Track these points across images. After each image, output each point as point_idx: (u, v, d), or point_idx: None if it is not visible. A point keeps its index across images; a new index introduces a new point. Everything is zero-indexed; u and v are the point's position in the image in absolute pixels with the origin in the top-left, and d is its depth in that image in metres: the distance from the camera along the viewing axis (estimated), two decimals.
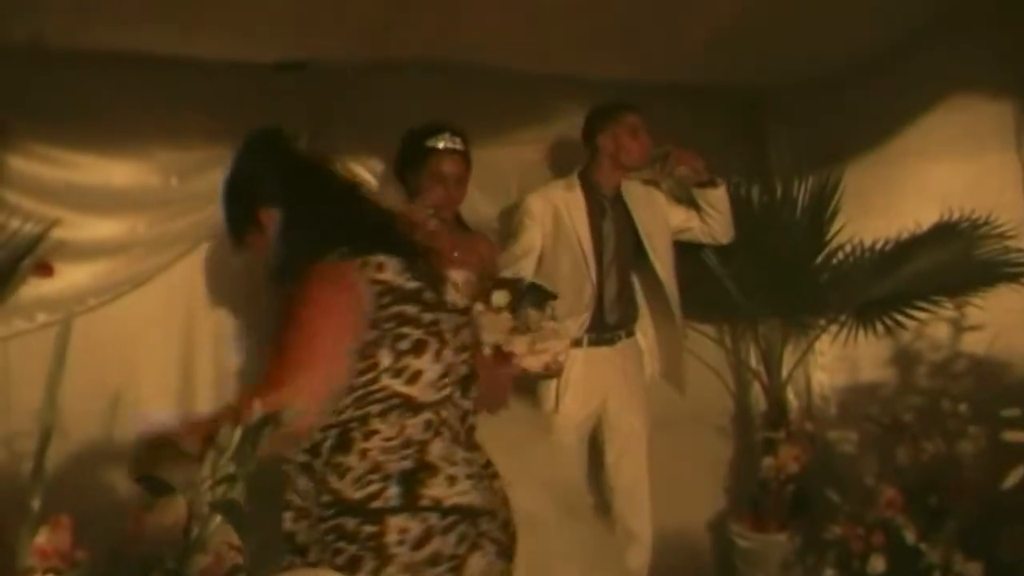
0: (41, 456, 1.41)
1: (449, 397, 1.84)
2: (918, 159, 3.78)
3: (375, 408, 1.75)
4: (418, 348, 1.78)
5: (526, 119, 3.68)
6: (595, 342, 3.32)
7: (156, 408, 3.27)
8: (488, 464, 1.88)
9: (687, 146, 3.49)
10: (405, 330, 1.77)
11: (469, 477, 1.79)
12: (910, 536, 2.89)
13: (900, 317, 3.71)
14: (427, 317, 1.81)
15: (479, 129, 3.52)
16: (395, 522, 1.69)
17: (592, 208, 3.37)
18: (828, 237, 3.83)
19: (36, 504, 1.38)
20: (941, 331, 3.68)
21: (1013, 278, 3.47)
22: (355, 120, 3.04)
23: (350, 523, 1.71)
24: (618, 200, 3.45)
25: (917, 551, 2.87)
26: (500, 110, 3.58)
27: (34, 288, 3.08)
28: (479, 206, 3.59)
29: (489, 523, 1.80)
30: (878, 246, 3.71)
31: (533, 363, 2.77)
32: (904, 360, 3.78)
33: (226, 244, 3.28)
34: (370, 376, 1.75)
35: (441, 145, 2.96)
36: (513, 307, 2.78)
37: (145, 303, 3.28)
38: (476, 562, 1.74)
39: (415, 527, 1.69)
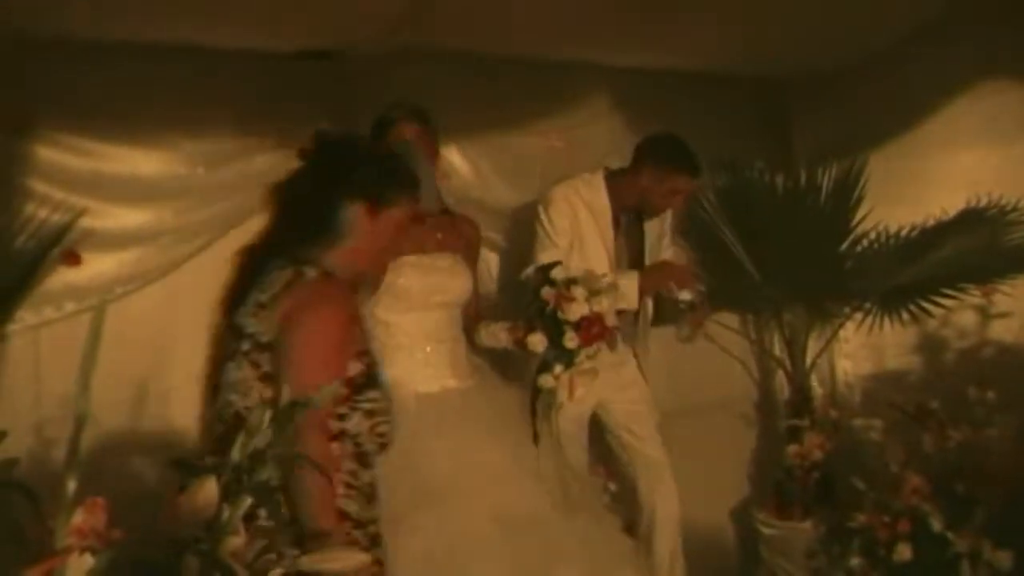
0: (76, 439, 1.43)
1: None
2: (944, 146, 3.76)
3: None
4: None
5: (550, 107, 3.67)
6: None
7: (183, 396, 3.31)
8: None
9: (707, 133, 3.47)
10: None
11: (347, 486, 1.96)
12: (936, 524, 2.87)
13: (926, 304, 3.69)
14: None
15: (503, 117, 3.54)
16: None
17: (614, 208, 3.33)
18: (853, 224, 3.80)
19: (72, 486, 1.40)
20: (968, 318, 3.66)
21: None
22: (379, 110, 3.04)
23: None
24: (635, 212, 3.40)
25: (944, 539, 2.85)
26: (523, 98, 3.58)
27: (62, 277, 3.10)
28: (502, 194, 3.59)
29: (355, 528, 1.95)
30: (903, 233, 3.68)
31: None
32: (930, 347, 3.76)
33: (250, 232, 3.37)
34: None
35: (395, 114, 2.96)
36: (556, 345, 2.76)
37: (172, 292, 3.30)
38: None
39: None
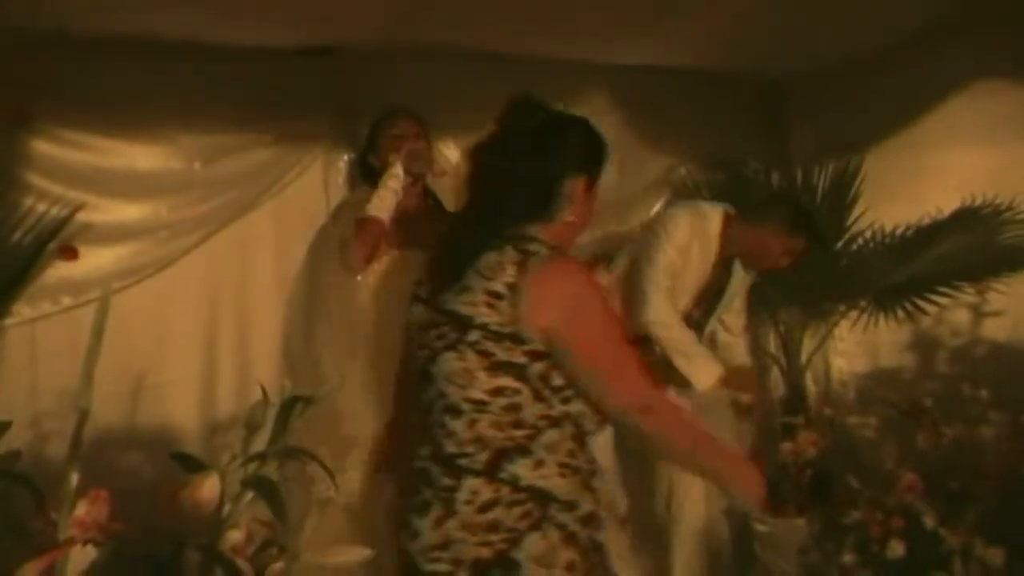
0: (79, 432, 1.44)
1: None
2: (939, 146, 3.76)
3: None
4: None
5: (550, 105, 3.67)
6: None
7: (180, 391, 3.31)
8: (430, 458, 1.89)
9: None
10: None
11: (561, 466, 1.85)
12: (930, 521, 2.88)
13: (920, 302, 3.70)
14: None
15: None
16: (470, 483, 1.81)
17: (718, 255, 3.28)
18: (848, 223, 3.82)
19: (75, 478, 1.41)
20: (962, 317, 3.67)
21: None
22: (378, 106, 3.04)
23: (434, 471, 1.84)
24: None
25: (937, 536, 2.86)
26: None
27: (59, 271, 3.11)
28: None
29: (561, 511, 1.84)
30: (899, 232, 3.70)
31: None
32: (924, 346, 3.78)
33: (247, 227, 3.39)
34: None
35: (391, 112, 2.97)
36: None
37: (169, 286, 3.31)
38: (534, 541, 1.80)
39: (486, 492, 1.80)
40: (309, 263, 3.14)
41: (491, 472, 1.81)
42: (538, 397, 1.84)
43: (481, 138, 2.01)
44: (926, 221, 3.65)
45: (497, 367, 1.83)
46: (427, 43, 3.29)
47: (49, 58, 3.02)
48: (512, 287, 1.83)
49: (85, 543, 1.36)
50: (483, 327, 1.83)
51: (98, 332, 1.51)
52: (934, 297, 3.67)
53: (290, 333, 3.20)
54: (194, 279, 3.36)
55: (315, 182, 3.46)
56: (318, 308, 2.97)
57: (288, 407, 1.58)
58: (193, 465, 1.57)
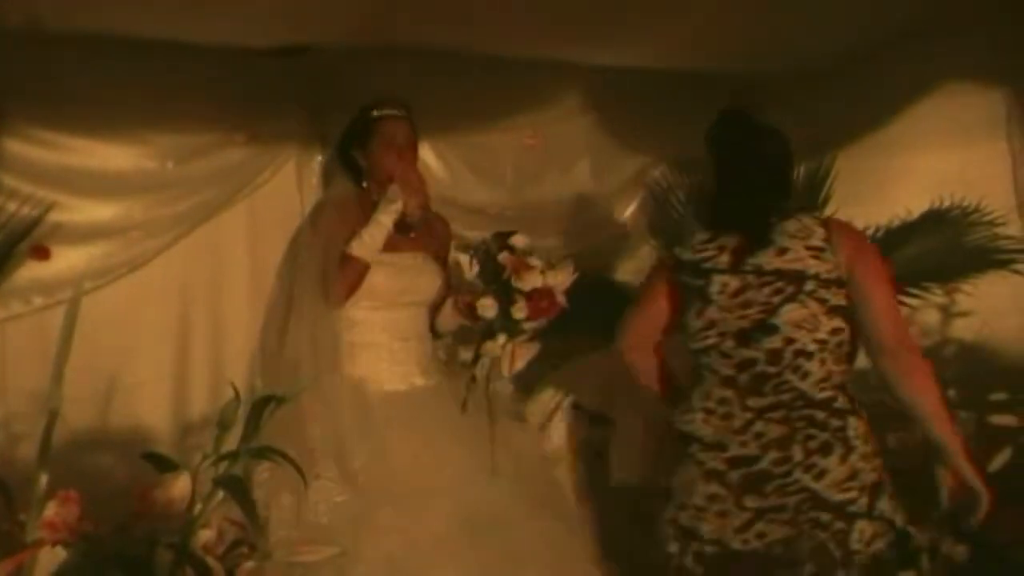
0: (48, 433, 1.43)
1: (716, 347, 2.32)
2: (910, 148, 3.81)
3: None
4: (686, 307, 2.40)
5: (522, 105, 3.69)
6: None
7: (152, 392, 3.29)
8: (776, 407, 2.27)
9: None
10: (683, 293, 2.42)
11: (707, 412, 2.31)
12: (899, 520, 2.92)
13: None
14: (695, 282, 2.38)
15: (475, 114, 3.55)
16: (851, 421, 2.30)
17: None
18: None
19: (44, 479, 1.40)
20: (931, 317, 3.71)
21: (1002, 264, 3.50)
22: (353, 106, 3.04)
23: (818, 415, 2.29)
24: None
25: (906, 534, 2.90)
26: (496, 95, 3.59)
27: (30, 271, 3.09)
28: (474, 192, 3.60)
29: (704, 451, 2.30)
30: (869, 233, 3.73)
31: None
32: None
33: (221, 228, 3.37)
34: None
35: (385, 110, 2.94)
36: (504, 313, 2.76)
37: (141, 287, 3.29)
38: (680, 474, 2.33)
39: (862, 426, 2.31)
40: (286, 264, 3.14)
41: (855, 409, 2.30)
42: (854, 334, 2.29)
43: (733, 134, 2.52)
44: (896, 223, 3.69)
45: (832, 310, 2.25)
46: (400, 43, 3.29)
47: (20, 56, 2.99)
48: (827, 241, 2.28)
49: (54, 545, 1.35)
50: (816, 276, 2.26)
51: (68, 333, 1.50)
52: (904, 298, 3.71)
53: (267, 335, 3.20)
54: (167, 279, 3.34)
55: (288, 182, 3.45)
56: (295, 309, 2.97)
57: (259, 406, 1.58)
58: (165, 465, 1.57)
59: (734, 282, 2.31)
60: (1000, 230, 3.52)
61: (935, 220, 3.61)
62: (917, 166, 3.77)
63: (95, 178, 3.20)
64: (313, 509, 2.52)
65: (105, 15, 2.92)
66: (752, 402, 2.26)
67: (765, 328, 2.25)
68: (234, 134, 3.34)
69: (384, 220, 2.80)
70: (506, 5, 3.08)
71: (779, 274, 2.27)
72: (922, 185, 3.67)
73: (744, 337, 2.28)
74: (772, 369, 2.25)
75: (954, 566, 2.83)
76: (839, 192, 3.81)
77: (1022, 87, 3.55)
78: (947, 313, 3.67)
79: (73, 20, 2.94)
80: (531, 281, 2.74)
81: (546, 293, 2.76)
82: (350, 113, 3.01)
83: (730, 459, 2.27)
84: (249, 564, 1.55)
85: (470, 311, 2.81)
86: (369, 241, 2.78)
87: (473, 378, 2.84)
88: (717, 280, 2.33)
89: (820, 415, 2.24)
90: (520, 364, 2.80)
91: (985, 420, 2.97)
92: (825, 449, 2.22)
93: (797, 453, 2.23)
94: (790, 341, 2.24)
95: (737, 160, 2.46)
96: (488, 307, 2.76)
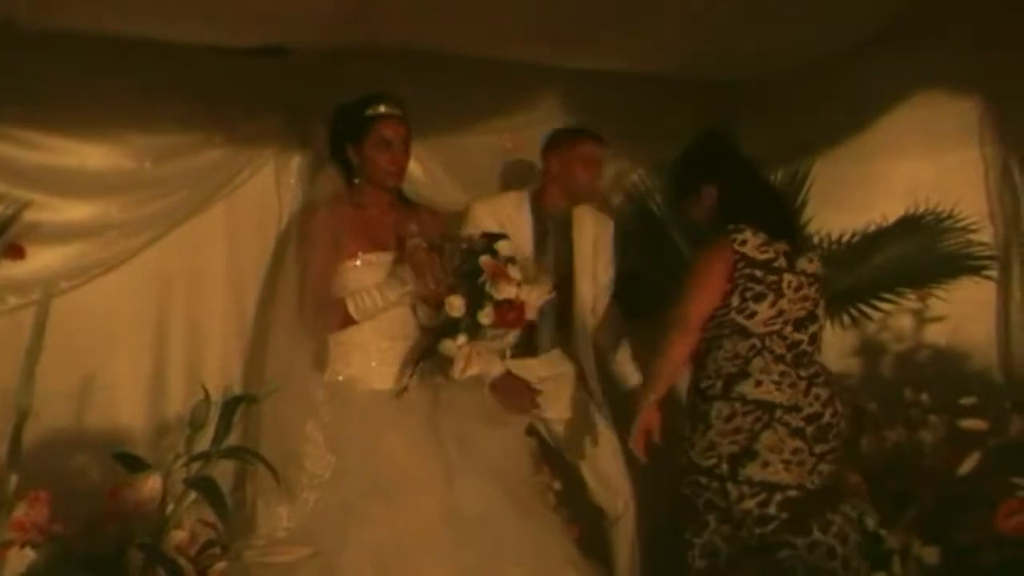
0: (18, 433, 1.43)
1: (778, 331, 2.86)
2: (885, 154, 3.84)
3: (724, 331, 2.87)
4: (758, 297, 2.84)
5: (501, 108, 3.70)
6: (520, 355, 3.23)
7: (128, 392, 3.28)
8: (818, 374, 2.90)
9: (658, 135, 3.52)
10: (751, 284, 2.84)
11: (776, 383, 2.82)
12: (871, 522, 2.95)
13: (865, 308, 3.75)
14: (769, 278, 2.85)
15: (454, 116, 3.55)
16: (716, 405, 2.83)
17: (537, 228, 3.29)
18: None
19: (14, 480, 1.40)
20: (905, 322, 3.75)
21: (975, 270, 3.55)
22: (329, 107, 3.04)
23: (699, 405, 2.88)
24: (565, 224, 3.36)
25: (877, 536, 2.93)
26: (475, 98, 3.60)
27: (5, 270, 3.07)
28: (453, 195, 3.60)
29: (787, 414, 2.80)
30: (845, 239, 3.76)
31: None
32: (869, 350, 3.85)
33: (198, 228, 3.36)
34: (724, 310, 2.86)
35: (383, 110, 2.94)
36: (470, 315, 2.76)
37: (117, 286, 3.28)
38: (767, 437, 2.78)
39: (726, 409, 2.81)
40: (273, 265, 3.16)
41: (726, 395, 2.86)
42: None
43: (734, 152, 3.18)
44: (872, 228, 3.72)
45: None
46: (379, 44, 3.29)
47: None
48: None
49: (23, 546, 1.35)
50: (822, 278, 2.99)
51: (39, 332, 1.50)
52: (879, 303, 3.74)
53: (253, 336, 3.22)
54: (144, 279, 3.33)
55: (267, 183, 3.45)
56: (278, 311, 2.97)
57: (231, 406, 1.58)
58: (136, 465, 1.56)
59: (795, 280, 2.89)
60: (973, 236, 3.56)
61: (910, 226, 3.65)
62: (892, 172, 3.80)
63: (72, 177, 3.19)
64: (300, 508, 2.53)
65: (82, 15, 2.91)
66: (803, 372, 2.86)
67: (812, 318, 2.91)
68: (212, 134, 3.33)
69: (391, 297, 2.83)
70: (484, 8, 3.08)
71: (814, 277, 2.95)
72: (897, 191, 3.70)
73: (799, 324, 2.88)
74: (810, 348, 2.90)
75: (925, 568, 2.86)
76: (816, 198, 3.84)
77: (995, 95, 3.59)
78: (920, 318, 3.71)
79: (50, 19, 2.93)
80: (506, 291, 2.74)
81: (517, 306, 2.77)
82: (328, 114, 3.02)
83: (806, 417, 2.82)
84: (221, 564, 1.56)
85: (436, 304, 2.81)
86: (371, 308, 2.82)
87: (414, 370, 2.82)
88: (787, 278, 2.88)
89: (830, 379, 2.95)
90: (474, 370, 2.78)
91: (955, 424, 3.01)
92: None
93: (840, 406, 2.91)
94: (820, 328, 2.96)
95: (754, 175, 3.10)
96: (456, 307, 2.76)
